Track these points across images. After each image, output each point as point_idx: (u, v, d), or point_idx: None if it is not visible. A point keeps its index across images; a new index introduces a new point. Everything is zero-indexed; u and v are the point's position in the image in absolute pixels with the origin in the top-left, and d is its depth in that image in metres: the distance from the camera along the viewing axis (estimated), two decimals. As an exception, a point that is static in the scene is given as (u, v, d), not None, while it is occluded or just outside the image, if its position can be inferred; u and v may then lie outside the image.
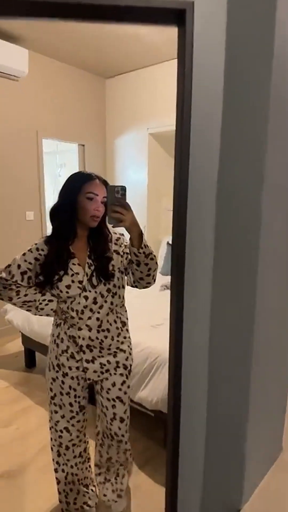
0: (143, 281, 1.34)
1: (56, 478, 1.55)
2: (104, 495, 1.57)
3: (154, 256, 1.31)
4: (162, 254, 3.92)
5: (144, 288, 1.37)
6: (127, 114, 4.05)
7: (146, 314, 2.57)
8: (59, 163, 5.02)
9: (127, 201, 1.21)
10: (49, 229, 4.12)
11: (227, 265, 0.96)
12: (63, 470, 1.53)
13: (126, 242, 1.40)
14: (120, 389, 1.45)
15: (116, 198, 1.19)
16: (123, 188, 1.20)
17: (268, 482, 0.97)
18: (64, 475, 1.53)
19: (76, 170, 4.17)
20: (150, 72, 3.76)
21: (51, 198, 4.31)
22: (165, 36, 3.09)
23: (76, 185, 1.32)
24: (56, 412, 1.47)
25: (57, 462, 1.53)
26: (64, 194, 1.35)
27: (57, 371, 1.42)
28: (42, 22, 2.89)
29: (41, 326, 2.63)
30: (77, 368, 1.41)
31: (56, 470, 1.54)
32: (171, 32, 2.91)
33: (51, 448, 1.54)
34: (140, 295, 1.72)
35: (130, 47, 3.34)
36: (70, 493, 1.55)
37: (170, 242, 3.92)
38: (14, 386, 2.72)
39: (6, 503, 1.76)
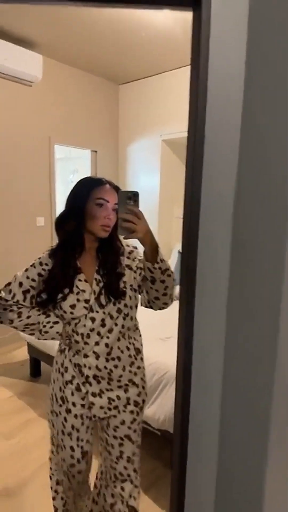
0: (159, 301, 1.18)
1: (54, 506, 1.41)
2: None
3: (172, 272, 1.14)
4: (173, 263, 3.83)
5: (160, 309, 1.21)
6: (140, 120, 4.00)
7: (155, 326, 2.47)
8: (72, 169, 5.00)
9: (140, 208, 1.07)
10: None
11: (245, 281, 0.86)
12: (61, 498, 1.39)
13: (140, 256, 1.24)
14: (129, 427, 1.26)
15: (128, 205, 1.05)
16: (136, 194, 1.06)
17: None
18: (63, 503, 1.39)
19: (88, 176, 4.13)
20: (164, 78, 3.71)
21: (62, 204, 4.28)
22: (179, 41, 3.03)
23: (85, 190, 1.18)
24: (56, 452, 1.31)
25: (55, 491, 1.39)
26: (71, 200, 1.20)
27: (60, 405, 1.25)
28: (56, 27, 2.87)
29: (47, 335, 2.56)
30: (82, 405, 1.23)
31: (54, 498, 1.40)
32: (185, 37, 2.84)
33: (50, 477, 1.40)
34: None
35: (144, 53, 3.29)
36: None
37: (181, 251, 3.83)
38: (18, 396, 2.65)
39: (3, 524, 1.67)
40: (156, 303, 1.19)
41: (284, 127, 0.71)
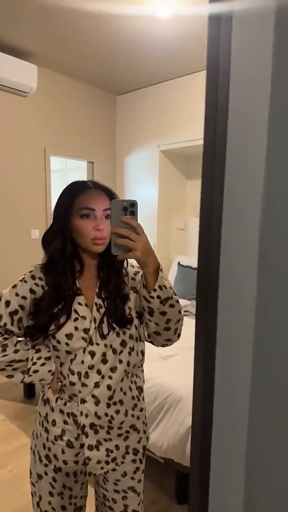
0: (160, 337, 0.96)
1: None
2: None
3: (177, 302, 0.92)
4: (172, 275, 3.72)
5: (162, 346, 1.00)
6: (138, 131, 3.94)
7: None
8: (68, 182, 4.91)
9: (138, 221, 0.86)
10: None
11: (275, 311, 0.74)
12: None
13: None
14: (132, 478, 1.06)
15: (124, 217, 0.84)
16: (133, 204, 0.85)
17: None
18: None
19: (85, 187, 4.04)
20: (162, 88, 3.66)
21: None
22: (177, 52, 2.99)
23: (67, 200, 0.96)
24: None
25: None
26: (55, 213, 0.99)
27: (46, 465, 1.02)
28: (52, 37, 2.81)
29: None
30: (76, 462, 1.00)
31: None
32: (183, 47, 2.78)
33: None
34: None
35: (141, 63, 3.25)
36: None
37: (182, 263, 3.74)
38: (10, 419, 2.49)
39: None
40: (157, 338, 0.97)
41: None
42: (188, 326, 2.65)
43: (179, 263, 3.71)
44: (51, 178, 3.62)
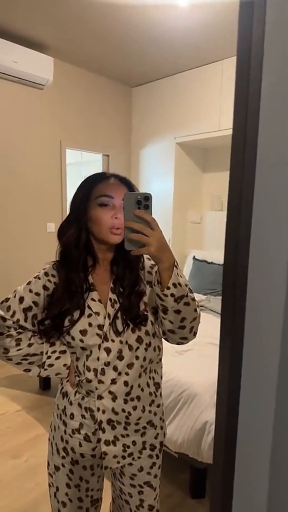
0: (175, 335, 0.93)
1: None
2: None
3: (192, 300, 0.89)
4: (187, 269, 3.69)
5: (178, 344, 0.97)
6: (153, 123, 3.90)
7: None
8: (83, 175, 4.92)
9: (153, 215, 0.82)
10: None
11: None
12: None
13: None
14: (149, 473, 1.06)
15: (137, 211, 0.81)
16: (147, 197, 0.82)
17: None
18: None
19: (100, 181, 4.04)
20: (178, 80, 3.60)
21: (73, 209, 4.19)
22: (192, 42, 2.92)
23: (85, 189, 0.95)
24: (59, 510, 1.08)
25: None
26: (72, 203, 0.98)
27: (63, 457, 1.03)
28: (67, 29, 2.79)
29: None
30: (93, 456, 1.01)
31: None
32: (200, 37, 2.71)
33: None
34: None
35: (156, 54, 3.19)
36: None
37: (197, 257, 3.70)
38: (26, 410, 2.53)
39: None
40: (172, 336, 0.94)
41: None
42: (203, 321, 2.62)
43: (194, 257, 3.67)
44: (67, 171, 3.62)
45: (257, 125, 0.55)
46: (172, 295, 0.84)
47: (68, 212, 1.00)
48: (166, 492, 1.81)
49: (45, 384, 2.81)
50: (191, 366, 1.93)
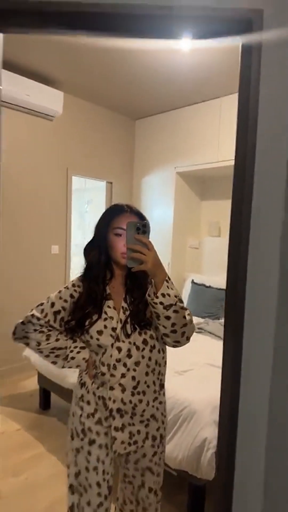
0: (168, 338, 1.13)
1: None
2: None
3: (182, 309, 1.09)
4: (186, 293, 3.79)
5: (173, 347, 1.17)
6: (155, 153, 4.11)
7: (169, 358, 2.40)
8: (86, 200, 5.09)
9: (153, 239, 1.06)
10: (73, 263, 4.06)
11: None
12: None
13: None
14: (150, 460, 1.24)
15: (136, 236, 1.05)
16: (144, 225, 1.07)
17: None
18: None
19: (103, 206, 4.20)
20: (179, 114, 3.84)
21: (76, 233, 4.32)
22: (194, 81, 3.16)
23: (105, 220, 1.20)
24: (80, 496, 1.20)
25: None
26: (96, 229, 1.24)
27: (82, 439, 1.20)
28: (76, 66, 3.03)
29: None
30: (106, 434, 1.19)
31: None
32: (199, 77, 2.95)
33: None
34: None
35: (159, 90, 3.43)
36: None
37: (196, 281, 3.81)
38: (26, 429, 2.55)
39: None
40: (167, 340, 1.15)
41: None
42: (201, 343, 2.79)
43: (192, 281, 3.78)
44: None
45: (254, 159, 0.68)
46: (161, 303, 1.05)
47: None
48: None
49: (45, 404, 2.83)
50: (190, 385, 2.00)
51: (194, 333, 3.10)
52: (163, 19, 0.64)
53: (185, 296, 3.76)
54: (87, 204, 5.05)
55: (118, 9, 0.65)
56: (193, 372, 2.18)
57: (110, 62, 2.92)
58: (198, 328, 3.08)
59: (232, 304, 0.86)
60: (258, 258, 0.75)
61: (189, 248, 4.12)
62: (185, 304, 3.63)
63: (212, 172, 3.73)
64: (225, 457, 0.99)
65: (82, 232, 4.88)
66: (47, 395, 2.84)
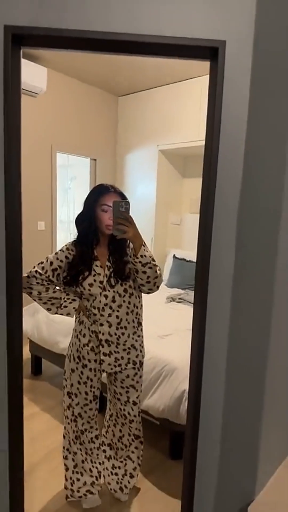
0: (144, 287, 1.50)
1: (65, 465, 1.70)
2: (109, 483, 1.77)
3: (154, 265, 1.44)
4: (168, 266, 4.00)
5: (147, 293, 1.55)
6: (138, 131, 4.20)
7: (153, 325, 2.62)
8: (70, 176, 5.15)
9: (130, 214, 1.35)
10: (59, 238, 4.18)
11: (246, 283, 1.04)
12: (73, 460, 1.69)
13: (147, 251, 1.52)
14: (133, 379, 1.63)
15: (121, 212, 1.33)
16: (127, 203, 1.35)
17: (276, 479, 1.03)
18: (74, 464, 1.67)
19: (87, 183, 4.30)
20: (161, 92, 3.92)
21: (60, 209, 4.42)
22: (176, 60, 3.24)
23: (94, 197, 1.49)
24: (72, 400, 1.62)
25: (67, 449, 1.69)
26: (85, 204, 1.52)
27: (77, 363, 1.59)
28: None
29: (51, 333, 2.69)
30: (95, 360, 1.58)
31: (66, 457, 1.69)
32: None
33: (63, 436, 1.70)
34: (146, 306, 1.80)
35: (141, 68, 3.49)
36: (77, 482, 1.68)
37: (177, 255, 4.02)
38: (21, 392, 2.76)
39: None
40: (142, 289, 1.53)
41: (279, 149, 0.90)
42: (181, 312, 3.09)
43: (174, 256, 4.00)
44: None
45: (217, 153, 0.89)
46: (140, 262, 1.40)
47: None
48: (148, 455, 2.10)
49: (36, 370, 3.04)
50: (171, 347, 2.23)
51: (176, 303, 3.37)
52: (152, 45, 0.83)
53: (167, 269, 3.98)
54: (71, 180, 5.11)
55: (117, 36, 0.86)
56: (174, 336, 2.41)
57: (94, 39, 2.96)
58: (179, 298, 3.32)
59: (200, 271, 1.08)
60: (219, 234, 0.96)
61: (171, 224, 4.31)
62: (167, 277, 3.84)
63: (193, 150, 3.87)
64: (194, 392, 1.22)
65: (66, 208, 4.97)
66: (39, 361, 3.04)
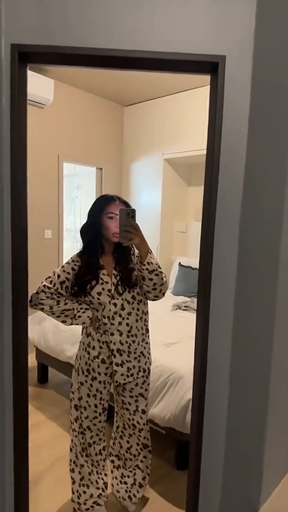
0: (150, 294, 1.52)
1: (72, 478, 1.68)
2: (118, 491, 1.76)
3: (160, 273, 1.46)
4: (174, 274, 4.00)
5: (152, 300, 1.56)
6: (143, 140, 4.24)
7: (159, 333, 2.62)
8: (76, 185, 5.21)
9: (136, 222, 1.38)
10: (65, 247, 4.22)
11: (248, 291, 1.04)
12: (79, 472, 1.65)
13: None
14: (141, 387, 1.63)
15: (127, 219, 1.36)
16: (133, 211, 1.38)
17: (281, 489, 1.01)
18: (80, 476, 1.65)
19: (93, 192, 4.34)
20: (166, 101, 3.97)
21: (67, 218, 4.47)
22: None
23: (99, 206, 1.51)
24: (81, 413, 1.61)
25: (74, 462, 1.67)
26: (90, 214, 1.54)
27: (86, 376, 1.58)
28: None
29: (57, 342, 2.70)
30: (106, 373, 1.57)
31: (72, 470, 1.67)
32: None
33: (70, 449, 1.69)
34: (152, 314, 1.80)
35: (147, 78, 3.55)
36: (83, 494, 1.66)
37: (182, 263, 4.02)
38: (27, 400, 2.76)
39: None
40: (148, 295, 1.54)
41: (279, 157, 0.91)
42: (187, 319, 3.09)
43: (180, 264, 4.00)
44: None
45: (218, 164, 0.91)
46: (146, 269, 1.42)
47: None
48: (154, 465, 2.08)
49: (43, 378, 3.04)
50: (177, 355, 2.23)
51: (181, 310, 3.37)
52: (153, 61, 0.86)
53: (172, 277, 3.98)
54: (77, 189, 5.17)
55: (119, 52, 0.92)
56: (180, 344, 2.41)
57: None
58: (185, 306, 3.31)
59: (202, 278, 1.09)
60: (222, 242, 0.97)
61: (177, 232, 4.32)
62: (172, 285, 3.85)
63: (199, 158, 3.88)
64: (197, 392, 1.21)
65: (72, 217, 5.01)
66: (45, 369, 3.05)
